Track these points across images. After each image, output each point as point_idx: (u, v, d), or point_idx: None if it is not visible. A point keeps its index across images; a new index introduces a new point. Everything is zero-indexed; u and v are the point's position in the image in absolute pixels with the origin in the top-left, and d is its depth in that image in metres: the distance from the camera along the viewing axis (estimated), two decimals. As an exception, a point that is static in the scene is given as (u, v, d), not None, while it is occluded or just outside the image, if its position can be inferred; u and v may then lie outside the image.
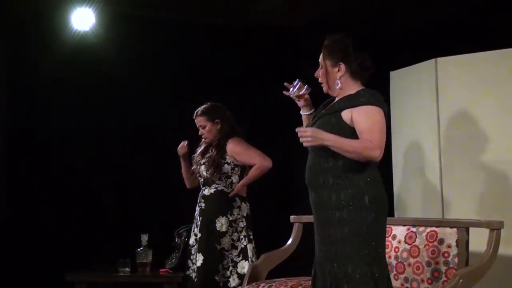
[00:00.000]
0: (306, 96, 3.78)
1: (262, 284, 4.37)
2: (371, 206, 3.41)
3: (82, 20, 6.05)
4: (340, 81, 3.58)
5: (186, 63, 6.62)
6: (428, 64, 5.28)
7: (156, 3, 6.36)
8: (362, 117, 3.42)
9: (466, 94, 5.08)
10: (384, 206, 3.51)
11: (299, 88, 3.76)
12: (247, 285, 4.46)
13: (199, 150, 5.21)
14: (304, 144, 3.38)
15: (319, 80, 3.67)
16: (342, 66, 3.57)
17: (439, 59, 5.21)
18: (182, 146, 5.25)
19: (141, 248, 5.69)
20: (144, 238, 5.69)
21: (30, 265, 6.04)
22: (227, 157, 5.03)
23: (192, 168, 5.22)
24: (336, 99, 3.63)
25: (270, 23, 6.81)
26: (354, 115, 3.44)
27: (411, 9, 6.16)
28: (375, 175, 3.51)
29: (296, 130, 3.37)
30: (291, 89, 3.76)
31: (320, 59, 3.66)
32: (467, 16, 5.96)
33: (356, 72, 3.58)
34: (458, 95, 5.11)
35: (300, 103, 3.81)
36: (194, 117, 5.17)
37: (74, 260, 5.98)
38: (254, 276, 4.52)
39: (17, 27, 6.14)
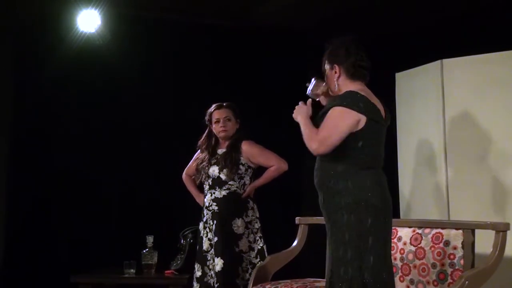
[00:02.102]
0: (325, 92, 3.79)
1: (268, 286, 4.36)
2: (368, 210, 3.44)
3: (88, 21, 6.06)
4: (337, 83, 3.67)
5: (191, 65, 6.62)
6: (434, 65, 5.27)
7: (161, 5, 6.36)
8: (327, 116, 3.50)
9: (471, 95, 5.07)
10: (383, 211, 3.51)
11: (317, 86, 3.78)
12: (252, 286, 4.46)
13: (203, 156, 5.14)
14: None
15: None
16: (338, 68, 3.66)
17: (444, 60, 5.20)
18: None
19: (147, 249, 5.69)
20: (150, 239, 5.69)
21: (35, 266, 6.04)
22: (242, 158, 5.00)
23: (200, 166, 5.12)
24: None
25: (276, 25, 6.81)
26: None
27: (416, 11, 6.16)
28: (376, 180, 3.53)
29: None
30: (308, 88, 3.78)
31: (323, 65, 3.75)
32: (473, 18, 5.95)
33: (353, 72, 3.65)
34: (464, 96, 5.10)
35: (322, 100, 3.82)
36: (216, 108, 5.08)
37: (79, 261, 5.99)
38: (260, 277, 4.52)
39: (23, 29, 6.15)
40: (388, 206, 3.55)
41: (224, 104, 5.10)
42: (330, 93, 3.74)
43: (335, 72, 3.66)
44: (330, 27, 6.69)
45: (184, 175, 5.31)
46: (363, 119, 3.47)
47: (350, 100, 3.48)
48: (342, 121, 3.46)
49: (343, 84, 3.65)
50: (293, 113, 3.66)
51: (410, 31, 6.42)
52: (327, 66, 3.71)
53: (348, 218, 3.44)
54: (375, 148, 3.57)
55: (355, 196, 3.44)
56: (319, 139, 3.45)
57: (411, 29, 6.40)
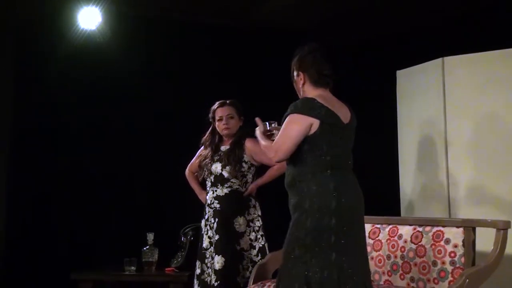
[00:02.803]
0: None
1: (268, 283, 4.36)
2: (329, 212, 3.56)
3: (89, 19, 6.05)
4: (302, 89, 3.86)
5: (191, 63, 6.62)
6: (435, 63, 5.27)
7: (161, 3, 6.36)
8: (283, 125, 3.71)
9: (473, 93, 5.07)
10: (346, 212, 3.61)
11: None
12: (253, 284, 4.45)
13: (206, 153, 5.13)
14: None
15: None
16: (302, 75, 3.84)
17: (446, 58, 5.20)
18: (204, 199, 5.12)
19: (147, 247, 5.69)
20: (150, 237, 5.69)
21: (35, 264, 6.05)
22: (245, 155, 4.99)
23: (203, 163, 5.09)
24: None
25: (276, 24, 6.80)
26: None
27: (417, 9, 6.15)
28: (339, 180, 3.64)
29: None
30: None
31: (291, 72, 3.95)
32: (474, 15, 5.95)
33: (316, 79, 3.81)
34: (465, 94, 5.10)
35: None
36: (219, 106, 5.05)
37: (79, 259, 5.99)
38: (260, 275, 4.51)
39: (24, 26, 6.15)
40: (354, 206, 3.66)
41: (228, 101, 5.07)
42: None
43: (300, 79, 3.84)
44: (331, 27, 6.73)
45: (187, 172, 5.29)
46: (316, 122, 3.62)
47: (301, 106, 3.66)
48: (293, 127, 3.64)
49: (307, 90, 3.82)
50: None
51: (411, 30, 6.42)
52: (294, 73, 3.89)
53: (309, 218, 3.57)
54: (336, 150, 3.67)
55: (318, 197, 3.58)
56: (274, 148, 3.69)
57: (412, 27, 6.41)
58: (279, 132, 3.71)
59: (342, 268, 3.53)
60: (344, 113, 3.75)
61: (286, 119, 3.68)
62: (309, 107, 3.64)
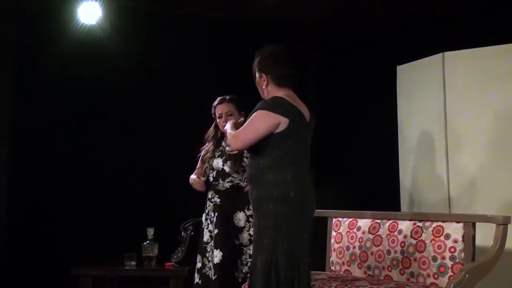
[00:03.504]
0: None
1: (268, 279, 4.36)
2: (286, 202, 3.74)
3: (89, 14, 6.04)
4: (266, 90, 3.99)
5: (192, 57, 6.61)
6: (436, 58, 5.27)
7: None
8: (250, 118, 3.88)
9: (473, 88, 5.07)
10: (300, 203, 3.78)
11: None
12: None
13: (208, 147, 5.13)
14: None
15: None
16: (265, 77, 3.98)
17: (446, 53, 5.20)
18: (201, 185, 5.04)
19: (147, 242, 5.69)
20: (150, 232, 5.69)
21: (36, 259, 6.05)
22: (245, 151, 4.97)
23: (205, 157, 5.08)
24: None
25: (277, 19, 6.79)
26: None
27: (418, 4, 6.13)
28: (296, 174, 3.80)
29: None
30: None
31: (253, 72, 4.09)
32: (475, 11, 5.93)
33: (280, 80, 3.95)
34: (465, 89, 5.10)
35: None
36: (218, 103, 5.02)
37: (80, 254, 6.00)
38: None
39: (24, 21, 6.14)
40: (306, 198, 3.83)
41: (227, 97, 5.04)
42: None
43: (264, 80, 3.98)
44: (331, 22, 6.72)
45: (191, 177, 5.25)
46: (284, 121, 3.78)
47: (271, 104, 3.82)
48: (260, 122, 3.80)
49: (271, 90, 3.95)
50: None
51: (411, 25, 6.41)
52: (256, 74, 4.03)
53: (269, 207, 3.75)
54: (297, 146, 3.85)
55: (276, 188, 3.74)
56: (235, 136, 3.91)
57: (413, 22, 6.39)
58: (246, 123, 3.88)
59: (292, 255, 3.73)
60: (306, 112, 3.93)
61: (256, 113, 3.83)
62: (279, 106, 3.80)
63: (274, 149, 3.79)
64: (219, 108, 5.01)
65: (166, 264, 5.73)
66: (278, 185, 3.75)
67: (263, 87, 3.99)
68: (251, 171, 3.91)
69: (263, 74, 3.97)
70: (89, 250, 6.08)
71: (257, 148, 3.84)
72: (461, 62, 5.15)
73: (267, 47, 4.03)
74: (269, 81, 3.95)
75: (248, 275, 3.99)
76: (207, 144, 5.15)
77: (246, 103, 5.15)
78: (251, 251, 4.90)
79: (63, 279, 5.76)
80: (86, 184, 6.26)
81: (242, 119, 4.74)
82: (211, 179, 5.02)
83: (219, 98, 5.04)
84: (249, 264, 4.84)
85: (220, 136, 5.07)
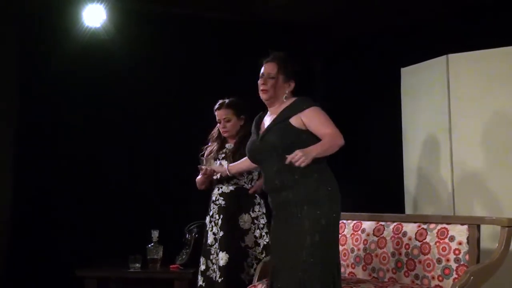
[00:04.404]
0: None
1: (273, 281, 4.37)
2: (334, 202, 3.82)
3: (93, 16, 6.06)
4: (283, 95, 3.96)
5: (196, 59, 6.61)
6: (440, 60, 5.27)
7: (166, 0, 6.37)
8: (315, 116, 3.82)
9: (477, 90, 5.07)
10: (335, 203, 3.83)
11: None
12: (257, 281, 4.46)
13: (211, 147, 5.14)
14: (302, 165, 3.60)
15: (263, 88, 4.00)
16: (292, 85, 3.99)
17: (450, 55, 5.20)
18: (210, 173, 4.95)
19: (152, 244, 5.70)
20: (155, 234, 5.70)
21: (41, 260, 6.06)
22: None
23: (209, 157, 5.11)
24: (271, 110, 4.01)
25: (279, 19, 6.80)
26: (304, 119, 3.81)
27: (422, 5, 6.14)
28: (330, 172, 3.88)
29: (288, 158, 3.63)
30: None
31: (272, 69, 4.00)
32: (479, 12, 5.93)
33: (297, 90, 4.00)
34: (469, 91, 5.10)
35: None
36: (217, 108, 5.04)
37: (84, 255, 6.00)
38: (265, 272, 4.51)
39: (29, 23, 6.15)
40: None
41: (226, 102, 5.05)
42: (266, 98, 4.01)
43: (289, 86, 3.97)
44: (334, 23, 6.73)
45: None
46: None
47: (313, 101, 3.89)
48: (325, 115, 3.83)
49: (288, 97, 3.96)
50: (297, 163, 3.64)
51: (415, 27, 6.41)
52: (281, 76, 3.97)
53: (319, 207, 3.72)
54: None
55: (319, 187, 3.75)
56: (337, 133, 3.75)
57: (417, 24, 6.39)
58: (321, 121, 3.79)
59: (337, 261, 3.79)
60: None
61: (314, 111, 3.82)
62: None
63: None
64: (218, 113, 5.03)
65: (171, 266, 5.74)
66: (326, 184, 3.78)
67: (285, 91, 3.97)
68: (291, 173, 3.77)
69: (292, 81, 3.98)
70: (94, 252, 6.08)
71: (301, 146, 3.70)
72: (465, 64, 5.15)
73: (296, 55, 4.06)
74: (292, 89, 3.98)
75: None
76: (210, 143, 5.16)
77: (251, 102, 5.16)
78: (256, 253, 4.91)
79: (68, 281, 5.77)
80: (90, 186, 6.26)
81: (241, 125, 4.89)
82: (216, 181, 5.02)
83: (218, 103, 5.05)
84: (255, 266, 4.85)
85: (224, 138, 5.09)
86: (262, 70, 4.06)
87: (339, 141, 3.73)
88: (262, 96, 4.01)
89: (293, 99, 3.94)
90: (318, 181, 3.76)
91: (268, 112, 4.07)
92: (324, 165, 3.83)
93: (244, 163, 4.56)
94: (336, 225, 3.83)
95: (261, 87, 4.00)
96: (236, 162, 4.69)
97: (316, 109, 3.83)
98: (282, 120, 3.86)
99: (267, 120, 4.01)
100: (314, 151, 3.65)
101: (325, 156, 3.74)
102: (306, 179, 3.75)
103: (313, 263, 3.65)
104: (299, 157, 3.58)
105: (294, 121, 3.83)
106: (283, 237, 3.81)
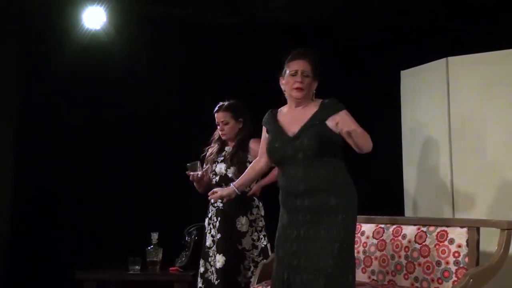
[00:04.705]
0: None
1: (272, 283, 4.37)
2: (355, 206, 3.81)
3: (93, 18, 6.07)
4: (312, 93, 3.92)
5: (196, 61, 6.62)
6: (439, 63, 5.27)
7: (166, 2, 6.36)
8: (347, 118, 3.77)
9: (477, 93, 5.07)
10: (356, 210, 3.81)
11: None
12: (257, 283, 4.46)
13: (212, 149, 5.15)
14: (344, 130, 3.56)
15: (300, 86, 3.86)
16: (316, 83, 3.93)
17: (450, 58, 5.20)
18: (196, 179, 5.01)
19: (151, 246, 5.70)
20: (154, 236, 5.70)
21: (40, 263, 6.05)
22: (249, 156, 4.98)
23: (205, 167, 5.14)
24: (298, 110, 3.91)
25: (279, 21, 6.80)
26: (339, 121, 3.66)
27: (422, 8, 6.14)
28: (348, 179, 3.86)
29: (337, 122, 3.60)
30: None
31: (306, 67, 3.89)
32: (479, 15, 5.94)
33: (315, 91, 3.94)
34: (469, 94, 5.10)
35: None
36: (216, 111, 5.05)
37: (84, 258, 6.00)
38: (264, 274, 4.51)
39: (29, 25, 6.15)
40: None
41: (224, 105, 5.06)
42: (300, 97, 3.89)
43: (315, 84, 3.92)
44: (335, 26, 6.73)
45: None
46: None
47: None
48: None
49: (313, 97, 3.93)
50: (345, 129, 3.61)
51: (415, 29, 6.42)
52: (311, 75, 3.89)
53: (349, 214, 3.72)
54: None
55: (348, 192, 3.76)
56: (365, 135, 3.69)
57: (416, 27, 6.40)
58: (355, 125, 3.69)
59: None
60: None
61: (346, 114, 3.78)
62: None
63: (339, 148, 3.77)
64: (217, 116, 5.06)
65: (170, 268, 5.74)
66: (349, 189, 3.77)
67: (313, 90, 3.91)
68: (328, 172, 3.74)
69: (317, 80, 3.92)
70: (93, 254, 6.08)
71: (332, 149, 3.73)
72: (465, 67, 5.15)
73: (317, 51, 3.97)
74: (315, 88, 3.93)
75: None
76: (212, 144, 5.18)
77: (249, 105, 5.16)
78: (254, 256, 4.91)
79: (67, 283, 5.78)
80: (90, 187, 6.26)
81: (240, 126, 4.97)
82: (214, 183, 5.03)
83: (217, 106, 5.07)
84: (252, 269, 4.85)
85: (224, 141, 5.10)
86: (295, 66, 3.90)
87: (370, 143, 3.71)
88: (297, 94, 3.86)
89: (320, 100, 3.88)
90: (347, 186, 3.77)
91: (290, 110, 3.96)
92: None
93: (248, 176, 4.42)
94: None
95: (296, 85, 3.85)
96: (240, 178, 4.54)
97: (346, 113, 3.80)
98: (319, 121, 3.78)
99: (294, 120, 3.89)
100: (354, 126, 3.65)
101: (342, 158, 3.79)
102: (336, 182, 3.74)
103: (339, 269, 3.61)
104: (347, 125, 3.60)
105: (330, 123, 3.74)
106: (311, 237, 3.71)
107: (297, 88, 3.85)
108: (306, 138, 3.74)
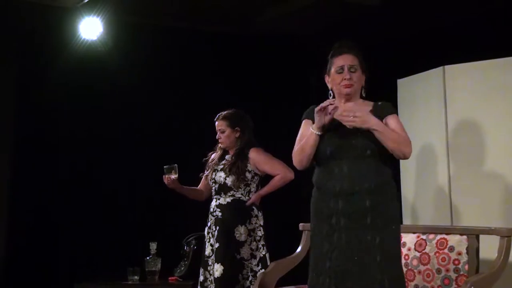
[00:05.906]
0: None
1: (272, 292, 4.37)
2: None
3: (90, 29, 6.09)
4: (362, 88, 3.78)
5: (193, 71, 6.64)
6: (436, 72, 5.27)
7: (163, 12, 6.39)
8: (397, 121, 3.68)
9: (474, 101, 5.07)
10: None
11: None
12: (257, 292, 4.46)
13: (214, 155, 5.18)
14: (348, 124, 3.46)
15: (348, 82, 3.66)
16: (364, 78, 3.77)
17: (447, 66, 5.21)
18: (170, 182, 5.07)
19: (150, 256, 5.71)
20: (153, 246, 5.71)
21: (39, 274, 6.04)
22: (249, 165, 5.00)
23: (205, 174, 5.16)
24: (344, 104, 3.71)
25: (276, 31, 6.83)
26: (389, 121, 3.64)
27: (418, 16, 6.17)
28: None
29: (343, 110, 3.49)
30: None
31: (352, 61, 3.70)
32: (475, 23, 5.96)
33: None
34: (466, 102, 5.10)
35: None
36: (215, 120, 5.12)
37: (83, 268, 5.99)
38: (264, 283, 4.51)
39: (26, 36, 6.16)
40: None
41: (222, 115, 5.11)
42: (350, 92, 3.71)
43: (364, 78, 3.78)
44: (331, 35, 6.73)
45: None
46: None
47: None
48: None
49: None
50: (346, 120, 3.50)
51: (411, 38, 6.43)
52: (358, 67, 3.71)
53: (394, 227, 3.66)
54: None
55: (397, 201, 3.74)
56: (408, 140, 3.59)
57: (413, 35, 6.41)
58: (399, 127, 3.62)
59: None
60: None
61: (397, 117, 3.70)
62: None
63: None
64: (216, 125, 5.11)
65: (169, 278, 5.75)
66: (396, 196, 3.72)
67: (362, 83, 3.75)
68: (381, 177, 3.62)
69: (365, 74, 3.78)
70: (92, 264, 6.08)
71: (377, 148, 3.55)
72: (462, 75, 5.15)
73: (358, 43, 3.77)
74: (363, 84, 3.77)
75: None
76: (217, 150, 5.20)
77: (243, 115, 5.18)
78: (252, 266, 4.91)
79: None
80: (88, 199, 6.26)
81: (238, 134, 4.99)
82: (214, 192, 5.05)
83: (217, 115, 5.11)
84: (250, 278, 4.85)
85: (221, 152, 5.13)
86: (340, 62, 3.68)
87: (409, 150, 3.59)
88: (346, 90, 3.66)
89: (372, 102, 3.76)
90: (393, 191, 3.71)
91: (340, 105, 3.65)
92: None
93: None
94: None
95: (346, 82, 3.65)
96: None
97: (396, 117, 3.72)
98: (382, 116, 3.65)
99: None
100: (375, 123, 3.49)
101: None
102: (387, 186, 3.67)
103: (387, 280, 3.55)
104: (355, 115, 3.45)
105: (384, 122, 3.63)
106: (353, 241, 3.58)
107: (346, 85, 3.65)
108: (365, 135, 3.54)
